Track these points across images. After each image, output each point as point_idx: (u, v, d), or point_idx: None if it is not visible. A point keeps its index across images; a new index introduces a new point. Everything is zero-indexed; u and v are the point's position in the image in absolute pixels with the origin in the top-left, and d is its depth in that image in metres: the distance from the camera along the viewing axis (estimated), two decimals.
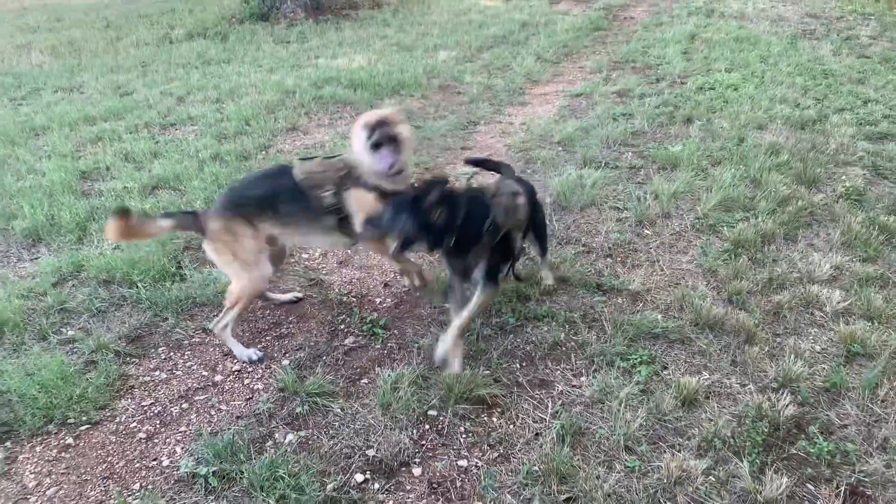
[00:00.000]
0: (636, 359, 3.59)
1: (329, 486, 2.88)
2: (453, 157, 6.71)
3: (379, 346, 3.84)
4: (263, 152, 6.85)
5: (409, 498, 2.87)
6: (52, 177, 6.10)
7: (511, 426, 3.24)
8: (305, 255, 4.90)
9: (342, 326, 4.05)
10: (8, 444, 3.24)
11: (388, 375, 3.47)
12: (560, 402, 3.36)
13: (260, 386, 3.58)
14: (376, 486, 2.93)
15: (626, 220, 5.11)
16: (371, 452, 3.09)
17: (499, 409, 3.34)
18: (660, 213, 5.15)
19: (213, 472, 2.95)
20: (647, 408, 3.25)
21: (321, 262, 4.81)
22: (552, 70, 9.82)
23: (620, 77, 8.96)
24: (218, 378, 3.66)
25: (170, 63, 10.71)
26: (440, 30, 12.37)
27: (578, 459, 2.99)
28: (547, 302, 4.11)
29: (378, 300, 4.31)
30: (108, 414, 3.42)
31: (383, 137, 3.58)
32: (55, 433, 3.30)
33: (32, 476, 3.06)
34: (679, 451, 3.03)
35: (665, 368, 3.56)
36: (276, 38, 12.16)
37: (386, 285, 4.48)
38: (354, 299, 4.33)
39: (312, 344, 3.90)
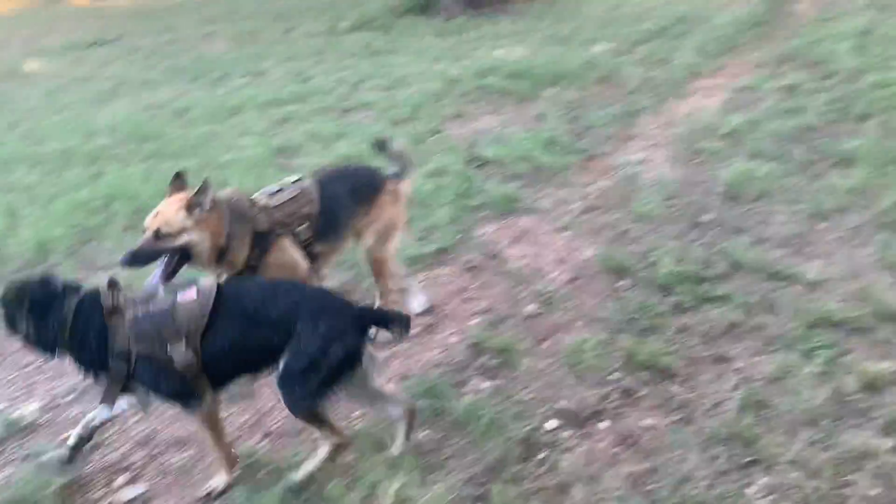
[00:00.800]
0: (815, 343, 3.68)
1: (526, 428, 3.21)
2: (616, 147, 6.90)
3: (558, 315, 4.15)
4: (435, 136, 7.31)
5: (598, 446, 3.15)
6: (252, 152, 6.84)
7: (691, 394, 3.44)
8: (482, 231, 5.27)
9: (522, 295, 4.39)
10: None
11: (572, 340, 3.78)
12: (740, 376, 3.52)
13: (454, 340, 3.97)
14: (567, 433, 3.23)
15: (799, 213, 5.12)
16: (561, 404, 3.40)
17: (679, 379, 3.54)
18: (835, 208, 5.12)
19: (425, 406, 3.35)
20: (827, 388, 3.35)
21: (497, 237, 5.16)
22: (713, 64, 9.70)
23: (788, 72, 8.74)
24: (415, 331, 4.04)
25: (340, 52, 11.48)
26: (595, 23, 12.47)
27: (760, 428, 3.16)
28: (722, 285, 4.25)
29: (553, 274, 4.61)
30: None
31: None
32: None
33: (272, 395, 3.59)
34: (863, 430, 3.12)
35: (845, 354, 3.62)
36: (436, 30, 12.71)
37: (560, 262, 4.76)
38: (531, 272, 4.64)
39: (496, 308, 4.26)
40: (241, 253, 3.44)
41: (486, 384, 3.57)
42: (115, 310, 2.78)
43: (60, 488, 3.06)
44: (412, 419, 3.09)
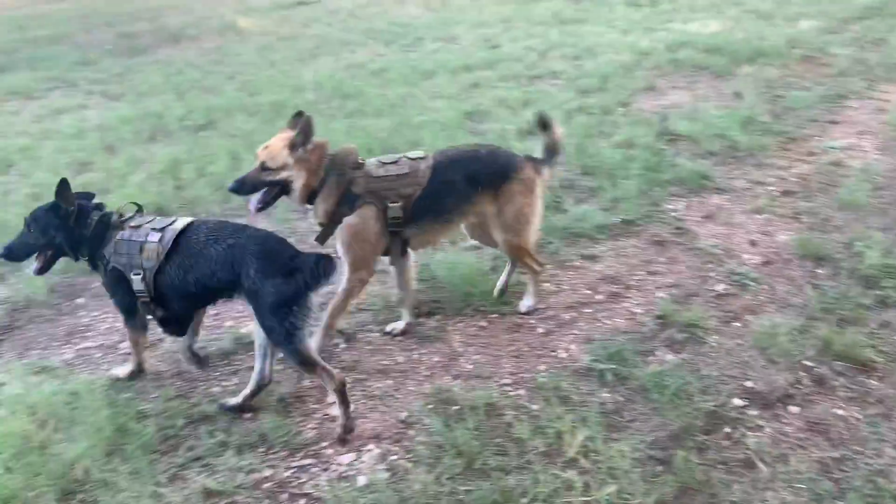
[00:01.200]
0: None
1: (711, 403, 3.24)
2: (818, 130, 6.54)
3: (749, 297, 4.08)
4: (623, 108, 7.26)
5: (787, 429, 3.12)
6: (444, 114, 7.14)
7: (891, 391, 3.30)
8: (671, 206, 5.22)
9: (711, 274, 4.35)
10: (439, 316, 4.10)
11: (764, 323, 3.73)
12: None
13: (639, 311, 4.03)
14: (754, 412, 3.22)
15: None
16: (749, 384, 3.38)
17: (878, 374, 3.41)
18: None
19: (610, 369, 3.47)
20: None
21: (687, 213, 5.10)
22: None
23: None
24: (599, 297, 4.20)
25: (528, 21, 11.55)
26: None
27: None
28: None
29: (745, 255, 4.52)
30: (510, 310, 4.13)
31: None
32: (471, 315, 4.09)
33: (459, 343, 3.86)
34: None
35: None
36: (627, 0, 12.43)
37: (753, 243, 4.65)
38: (721, 251, 4.57)
39: (684, 284, 4.26)
40: (325, 204, 3.63)
41: (672, 356, 3.61)
42: (117, 227, 3.40)
43: (282, 398, 3.50)
44: None
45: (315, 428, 3.34)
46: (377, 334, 4.03)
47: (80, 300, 4.60)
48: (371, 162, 3.72)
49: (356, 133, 6.72)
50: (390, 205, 3.63)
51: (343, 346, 3.94)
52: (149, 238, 3.31)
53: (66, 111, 8.58)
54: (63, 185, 3.38)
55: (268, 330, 3.19)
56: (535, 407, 3.31)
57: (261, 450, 3.20)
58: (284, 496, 2.96)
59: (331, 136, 6.53)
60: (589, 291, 4.28)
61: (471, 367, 3.67)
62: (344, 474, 3.04)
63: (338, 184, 3.61)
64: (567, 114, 6.98)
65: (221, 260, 3.20)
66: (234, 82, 9.32)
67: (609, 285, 4.31)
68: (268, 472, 3.08)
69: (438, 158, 3.79)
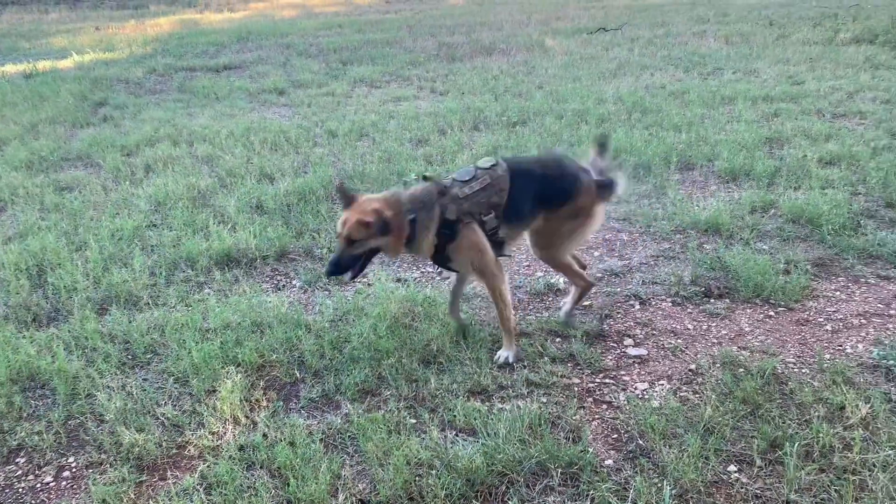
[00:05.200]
0: None
1: None
2: None
3: None
4: None
5: None
6: (742, 136, 7.46)
7: None
8: None
9: None
10: (727, 300, 4.54)
11: None
12: None
13: None
14: None
15: None
16: None
17: None
18: None
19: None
20: None
21: None
22: None
23: None
24: (892, 312, 4.35)
25: (837, 62, 11.28)
26: None
27: None
28: None
29: None
30: (799, 307, 4.44)
31: None
32: (760, 305, 4.48)
33: (747, 324, 4.28)
34: None
35: None
36: None
37: None
38: None
39: None
40: (426, 240, 3.74)
41: None
42: None
43: (587, 332, 4.20)
44: None
45: (613, 360, 3.99)
46: (669, 303, 4.58)
47: None
48: (452, 185, 3.82)
49: (654, 143, 7.31)
50: (485, 218, 3.81)
51: (637, 307, 4.56)
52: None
53: (403, 99, 10.23)
54: None
55: None
56: (816, 383, 3.66)
57: (570, 364, 3.93)
58: (590, 399, 3.64)
59: (631, 143, 7.24)
60: (882, 306, 4.44)
61: (757, 343, 4.09)
62: (639, 395, 3.65)
63: (430, 218, 3.72)
64: (874, 150, 6.95)
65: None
66: (541, 91, 10.37)
67: None
68: (576, 381, 3.79)
69: (511, 166, 3.89)
